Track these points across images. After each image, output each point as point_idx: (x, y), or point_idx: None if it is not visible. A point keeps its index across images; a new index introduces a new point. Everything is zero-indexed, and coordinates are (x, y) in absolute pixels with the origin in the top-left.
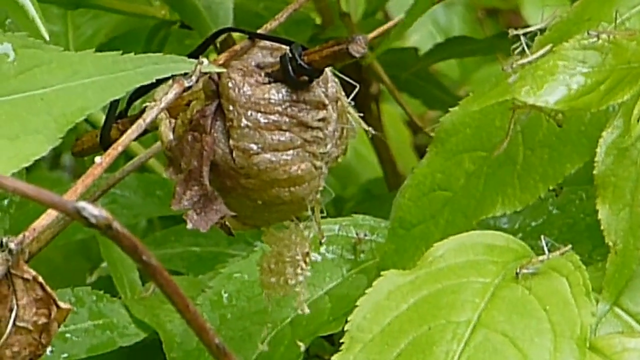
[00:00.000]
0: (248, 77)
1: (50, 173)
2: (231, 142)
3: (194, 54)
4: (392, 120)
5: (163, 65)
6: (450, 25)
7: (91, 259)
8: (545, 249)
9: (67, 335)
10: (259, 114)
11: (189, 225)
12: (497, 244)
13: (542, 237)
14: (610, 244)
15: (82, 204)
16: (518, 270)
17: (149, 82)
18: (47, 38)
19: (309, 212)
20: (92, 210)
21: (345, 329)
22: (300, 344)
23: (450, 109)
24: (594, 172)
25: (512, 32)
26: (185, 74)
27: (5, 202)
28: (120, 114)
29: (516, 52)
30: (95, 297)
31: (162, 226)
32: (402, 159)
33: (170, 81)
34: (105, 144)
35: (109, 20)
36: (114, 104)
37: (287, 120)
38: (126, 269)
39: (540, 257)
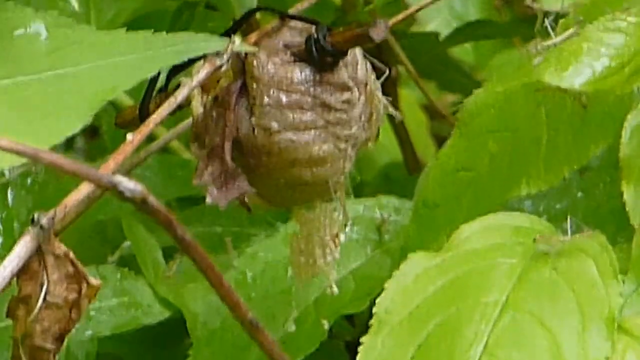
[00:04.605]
0: (273, 56)
1: (64, 154)
2: (253, 119)
3: (226, 34)
4: (408, 104)
5: (194, 44)
6: (466, 13)
7: (108, 240)
8: (569, 230)
9: (92, 313)
10: (281, 93)
11: (208, 200)
12: (523, 226)
13: (568, 218)
14: (636, 225)
15: (118, 177)
16: (537, 243)
17: (180, 61)
18: (76, 7)
19: (334, 195)
20: (128, 184)
21: (373, 311)
22: (324, 322)
23: (473, 91)
24: (619, 154)
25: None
26: (218, 52)
27: (29, 180)
28: (160, 89)
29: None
30: (119, 275)
31: (179, 208)
32: (419, 144)
33: (202, 60)
34: (143, 118)
35: (131, 2)
36: (154, 79)
37: (310, 100)
38: (150, 249)
39: (562, 238)
